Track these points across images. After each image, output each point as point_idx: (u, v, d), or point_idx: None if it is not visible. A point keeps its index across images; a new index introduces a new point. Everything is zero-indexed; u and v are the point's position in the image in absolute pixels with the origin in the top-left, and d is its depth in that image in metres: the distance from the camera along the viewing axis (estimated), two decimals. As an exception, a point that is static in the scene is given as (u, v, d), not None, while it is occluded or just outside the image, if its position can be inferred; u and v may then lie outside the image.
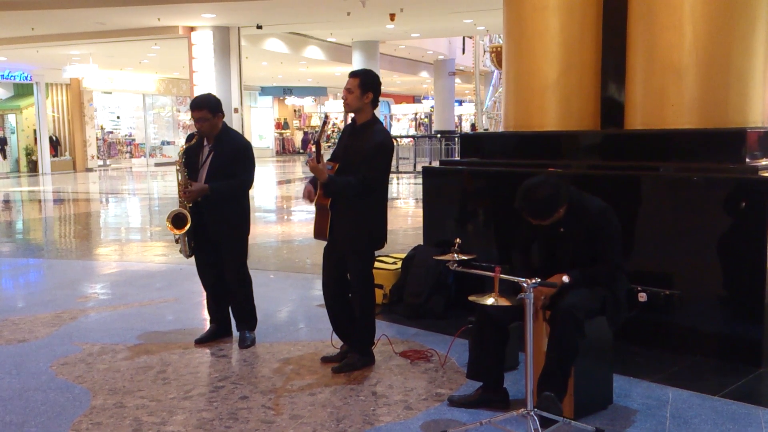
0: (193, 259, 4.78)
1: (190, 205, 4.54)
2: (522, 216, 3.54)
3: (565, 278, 3.40)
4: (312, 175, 4.07)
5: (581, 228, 3.48)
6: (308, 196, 4.14)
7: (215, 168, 4.54)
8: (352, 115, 4.22)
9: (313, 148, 4.17)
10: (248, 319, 4.79)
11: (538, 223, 3.52)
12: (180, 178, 4.55)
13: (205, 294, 4.96)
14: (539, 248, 3.66)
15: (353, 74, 4.14)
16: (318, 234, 4.20)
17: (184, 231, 4.52)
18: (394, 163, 21.42)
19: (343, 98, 4.17)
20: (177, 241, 4.67)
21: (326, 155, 4.26)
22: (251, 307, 4.80)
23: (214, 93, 5.09)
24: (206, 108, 4.49)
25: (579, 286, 3.40)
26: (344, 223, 4.08)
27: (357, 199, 4.02)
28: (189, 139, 4.67)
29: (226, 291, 4.80)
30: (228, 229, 4.61)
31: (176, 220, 4.54)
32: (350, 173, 4.00)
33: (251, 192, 4.84)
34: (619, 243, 3.53)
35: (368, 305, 4.24)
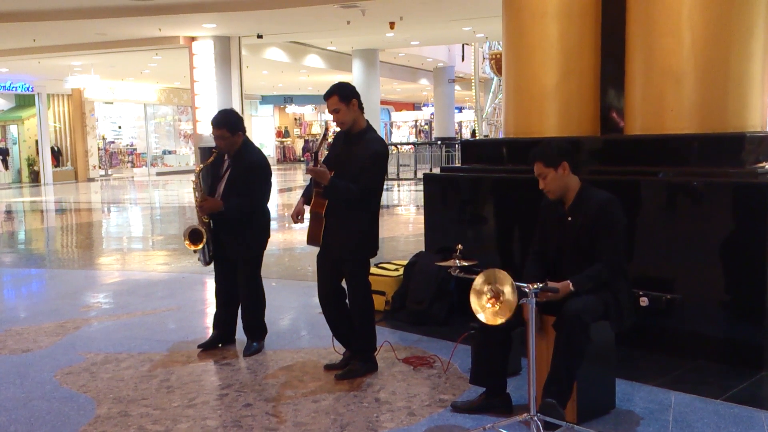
0: (194, 267, 4.83)
1: (207, 220, 4.66)
2: (531, 165, 3.56)
3: (570, 285, 3.37)
4: (304, 190, 4.09)
5: (586, 218, 3.50)
6: (295, 216, 4.23)
7: (230, 183, 4.64)
8: None
9: (310, 156, 4.20)
10: (254, 330, 4.81)
11: (539, 174, 3.54)
12: (197, 195, 4.65)
13: (209, 301, 4.98)
14: (550, 239, 3.67)
15: (328, 94, 4.06)
16: (311, 240, 4.21)
17: (200, 247, 4.65)
18: (394, 170, 21.63)
19: (335, 121, 4.11)
20: (195, 251, 4.77)
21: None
22: (259, 318, 4.82)
23: (215, 103, 5.17)
24: (225, 128, 4.57)
25: (584, 289, 3.39)
26: (337, 230, 4.09)
27: (354, 206, 4.04)
28: (208, 156, 4.81)
29: (235, 299, 4.84)
30: (242, 248, 4.69)
31: (193, 236, 4.67)
32: (347, 181, 4.01)
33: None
34: (620, 236, 3.49)
35: (367, 312, 4.24)
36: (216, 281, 4.94)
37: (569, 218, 3.58)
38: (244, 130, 4.66)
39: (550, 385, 3.30)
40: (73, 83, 21.35)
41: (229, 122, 4.59)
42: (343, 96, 4.04)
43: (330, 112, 4.09)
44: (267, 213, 4.82)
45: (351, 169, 4.03)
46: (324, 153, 4.29)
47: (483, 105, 26.33)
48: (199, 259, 4.83)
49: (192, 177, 4.88)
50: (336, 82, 4.22)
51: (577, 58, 5.23)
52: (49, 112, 24.56)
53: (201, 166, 4.88)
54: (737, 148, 4.45)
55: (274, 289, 6.76)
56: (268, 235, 4.83)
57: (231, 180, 4.65)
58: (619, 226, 3.50)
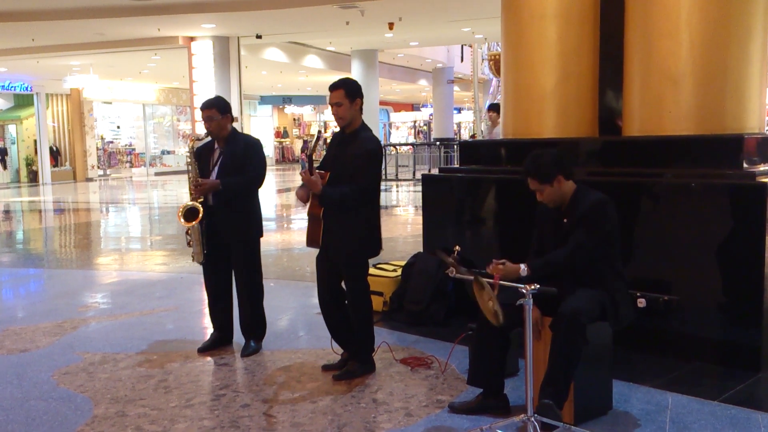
0: (192, 267, 4.80)
1: (201, 200, 4.58)
2: (524, 179, 3.56)
3: (523, 267, 3.36)
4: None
5: (579, 218, 3.51)
6: (301, 197, 4.12)
7: (225, 167, 4.59)
8: None
9: (305, 157, 4.14)
10: (255, 328, 4.78)
11: (535, 189, 3.55)
12: (191, 173, 4.60)
13: (206, 301, 4.95)
14: (546, 241, 3.67)
15: (335, 87, 4.06)
16: (311, 242, 4.19)
17: (194, 223, 4.54)
18: (393, 171, 21.62)
19: (333, 114, 4.10)
20: (189, 244, 4.68)
21: (316, 164, 4.18)
22: (260, 316, 4.79)
23: (215, 102, 5.11)
24: (215, 107, 4.57)
25: (538, 275, 3.34)
26: (336, 232, 4.08)
27: (351, 208, 4.03)
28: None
29: (231, 298, 4.82)
30: (237, 232, 4.62)
31: (188, 214, 4.58)
32: (342, 181, 4.00)
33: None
34: (599, 235, 3.47)
35: (365, 313, 4.24)
36: (207, 287, 4.87)
37: (565, 220, 3.59)
38: (232, 115, 4.67)
39: (547, 386, 3.31)
40: (72, 83, 21.36)
41: (218, 103, 4.61)
42: (349, 92, 4.04)
43: (331, 104, 4.07)
44: (259, 201, 4.78)
45: (346, 169, 4.03)
46: (322, 153, 4.28)
47: (482, 106, 26.32)
48: (192, 256, 4.71)
49: (186, 152, 4.80)
50: (343, 77, 4.20)
51: (576, 60, 5.24)
52: (47, 111, 24.56)
53: (194, 139, 4.77)
54: (735, 150, 4.45)
55: (272, 289, 6.76)
56: (262, 224, 4.78)
57: (224, 164, 4.58)
58: (603, 226, 3.49)
